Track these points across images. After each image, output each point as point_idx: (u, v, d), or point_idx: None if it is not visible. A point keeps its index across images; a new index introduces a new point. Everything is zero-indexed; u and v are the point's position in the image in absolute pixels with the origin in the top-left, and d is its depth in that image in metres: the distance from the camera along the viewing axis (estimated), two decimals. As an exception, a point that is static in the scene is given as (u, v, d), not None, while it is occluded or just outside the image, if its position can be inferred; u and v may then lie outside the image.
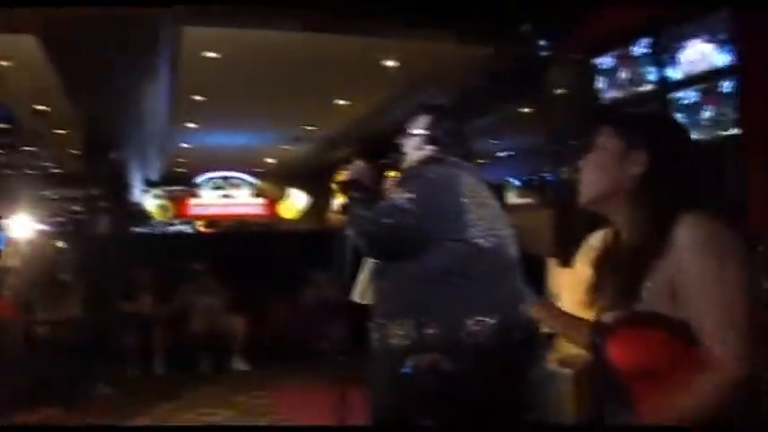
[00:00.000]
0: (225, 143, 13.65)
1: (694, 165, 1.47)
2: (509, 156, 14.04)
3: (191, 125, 11.78)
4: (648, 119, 1.65)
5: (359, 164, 2.65)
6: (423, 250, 2.34)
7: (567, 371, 2.82)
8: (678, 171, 1.44)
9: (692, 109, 4.46)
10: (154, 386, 6.51)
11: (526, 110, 9.57)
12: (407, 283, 2.36)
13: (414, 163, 2.61)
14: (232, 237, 12.66)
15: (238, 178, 15.19)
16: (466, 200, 2.40)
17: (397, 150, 2.68)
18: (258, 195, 15.36)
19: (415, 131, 2.65)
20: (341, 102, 10.23)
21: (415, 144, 2.64)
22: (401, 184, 2.48)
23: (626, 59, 5.03)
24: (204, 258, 7.83)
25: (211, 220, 15.59)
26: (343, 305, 2.89)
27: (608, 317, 1.47)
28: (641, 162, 1.45)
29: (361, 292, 2.78)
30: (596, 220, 1.65)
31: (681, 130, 1.55)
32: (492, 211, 2.49)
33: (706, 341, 1.29)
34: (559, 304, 3.79)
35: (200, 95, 9.70)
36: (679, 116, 4.52)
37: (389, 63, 7.96)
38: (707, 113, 4.37)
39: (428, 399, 2.25)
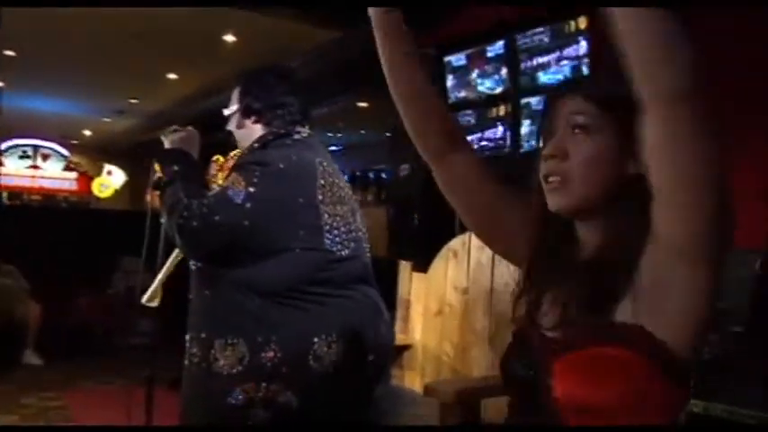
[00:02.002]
0: (37, 108, 12.41)
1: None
2: (343, 149, 13.84)
3: (-3, 83, 10.60)
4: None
5: (189, 130, 2.12)
6: (262, 259, 1.87)
7: (432, 399, 2.50)
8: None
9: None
10: None
11: (364, 104, 9.34)
12: (240, 295, 1.88)
13: (253, 144, 2.09)
14: (37, 212, 11.53)
15: (49, 148, 13.96)
16: (321, 197, 1.95)
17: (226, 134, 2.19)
18: (71, 169, 14.21)
19: (229, 109, 2.19)
20: (172, 75, 9.54)
21: (236, 122, 2.17)
22: (239, 170, 1.95)
23: (478, 60, 4.89)
24: (1, 234, 6.91)
25: (14, 193, 14.19)
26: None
27: (557, 334, 1.12)
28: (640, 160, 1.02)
29: (151, 294, 2.32)
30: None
31: None
32: (349, 207, 2.06)
33: None
34: (412, 314, 3.58)
35: (11, 50, 8.66)
36: (528, 122, 4.45)
37: (228, 38, 7.44)
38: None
39: None
